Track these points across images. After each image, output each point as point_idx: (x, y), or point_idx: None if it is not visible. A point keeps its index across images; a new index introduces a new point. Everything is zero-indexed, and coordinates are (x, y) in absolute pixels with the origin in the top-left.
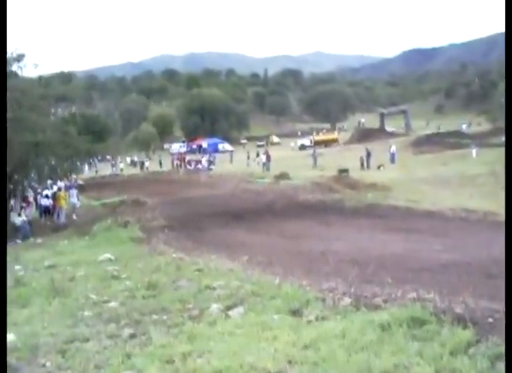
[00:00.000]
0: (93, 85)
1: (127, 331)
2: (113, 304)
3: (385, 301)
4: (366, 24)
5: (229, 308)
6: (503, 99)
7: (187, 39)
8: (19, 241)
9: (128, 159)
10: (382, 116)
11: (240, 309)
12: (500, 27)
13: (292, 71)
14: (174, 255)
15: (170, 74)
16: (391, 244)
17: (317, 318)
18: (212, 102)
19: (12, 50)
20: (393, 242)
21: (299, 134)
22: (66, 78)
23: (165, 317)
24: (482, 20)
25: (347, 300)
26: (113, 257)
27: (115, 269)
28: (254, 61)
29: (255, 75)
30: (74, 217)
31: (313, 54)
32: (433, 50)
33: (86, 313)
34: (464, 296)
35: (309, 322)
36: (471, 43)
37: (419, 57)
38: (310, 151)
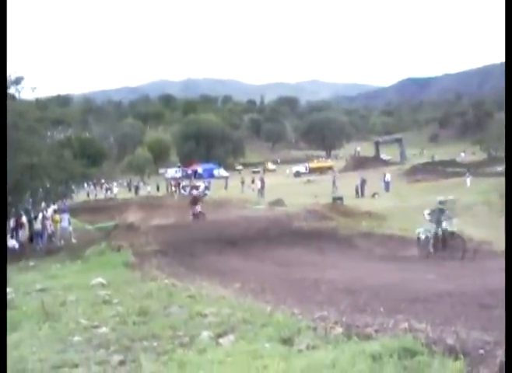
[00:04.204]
0: (90, 108)
1: (116, 358)
2: (103, 329)
3: (377, 331)
4: (362, 53)
5: (219, 335)
6: (498, 129)
7: (184, 65)
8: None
9: (123, 183)
10: (377, 144)
11: (230, 337)
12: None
13: (288, 98)
14: (166, 281)
15: (167, 100)
16: (384, 273)
17: (307, 348)
18: (208, 128)
19: (10, 72)
20: (386, 271)
21: (295, 161)
22: (63, 101)
23: (155, 344)
24: (476, 51)
25: (338, 329)
26: (105, 282)
27: (107, 294)
28: (251, 88)
29: (251, 102)
30: (70, 240)
31: (310, 82)
32: (428, 79)
33: (76, 338)
34: (456, 326)
35: (300, 351)
36: (465, 74)
37: (413, 86)
38: (305, 178)
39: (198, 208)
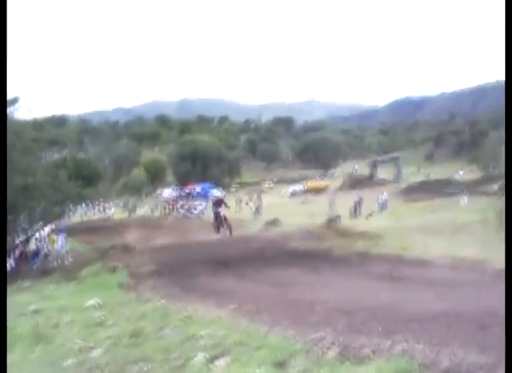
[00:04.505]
0: (85, 129)
1: None
2: (96, 352)
3: (373, 352)
4: (357, 73)
5: (214, 357)
6: (493, 148)
7: (180, 85)
8: None
9: (120, 204)
10: (373, 163)
11: (225, 359)
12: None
13: (284, 118)
14: (161, 302)
15: (163, 120)
16: (381, 293)
17: (301, 372)
18: (204, 149)
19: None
20: (383, 291)
21: (291, 180)
22: (59, 121)
23: (149, 366)
24: (470, 70)
25: (334, 351)
26: (99, 303)
27: (101, 315)
28: (248, 108)
29: (248, 122)
30: (65, 260)
31: (306, 102)
32: (423, 99)
33: (69, 361)
34: (453, 348)
35: None
36: (459, 93)
37: (408, 106)
38: (302, 197)
39: (222, 211)
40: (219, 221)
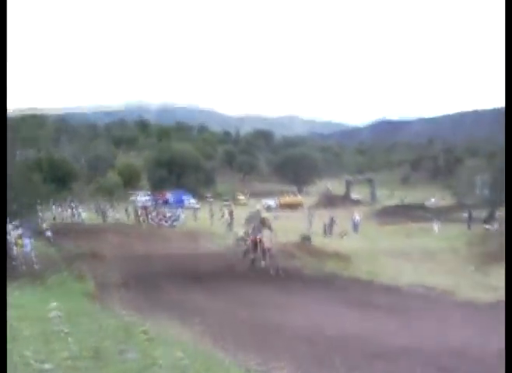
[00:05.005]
0: (63, 128)
1: None
2: None
3: None
4: (340, 92)
5: None
6: (468, 176)
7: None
8: None
9: (91, 207)
10: (348, 183)
11: None
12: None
13: (264, 132)
14: (126, 317)
15: (142, 125)
16: (346, 321)
17: None
18: (181, 157)
19: None
20: (349, 319)
21: (266, 194)
22: (36, 120)
23: None
24: (450, 97)
25: None
26: (63, 314)
27: (63, 330)
28: (228, 119)
29: (227, 133)
30: (32, 266)
31: (287, 118)
32: (402, 122)
33: None
34: None
35: None
36: (438, 119)
37: (387, 127)
38: (275, 213)
39: (266, 238)
40: (260, 251)
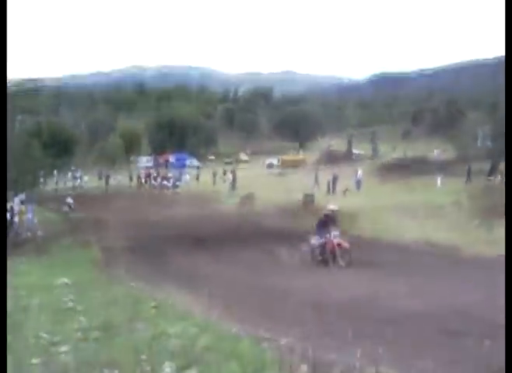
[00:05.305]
0: (61, 94)
1: None
2: (63, 349)
3: None
4: (338, 45)
5: (182, 368)
6: (470, 128)
7: (159, 51)
8: None
9: (94, 172)
10: (350, 139)
11: (192, 372)
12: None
13: (263, 89)
14: (133, 284)
15: (141, 88)
16: (353, 283)
17: None
18: (181, 118)
19: None
20: (355, 281)
21: (268, 152)
22: (34, 85)
23: (116, 372)
24: (451, 47)
25: (304, 368)
26: (70, 282)
27: (71, 299)
28: (226, 77)
29: (226, 92)
30: (36, 233)
31: (285, 73)
32: (403, 75)
33: (34, 361)
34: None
35: None
36: (439, 70)
37: (388, 81)
38: (278, 171)
39: (335, 237)
40: (329, 252)
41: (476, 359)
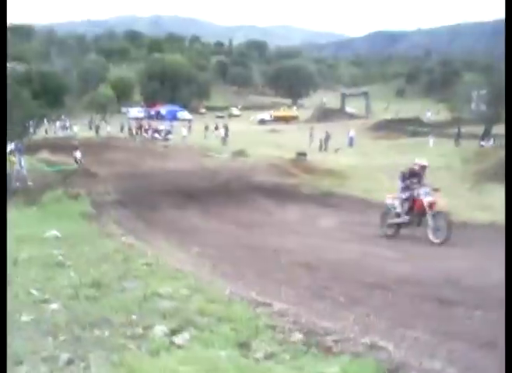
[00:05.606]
0: (52, 40)
1: (64, 356)
2: (53, 306)
3: (336, 342)
4: (339, 2)
5: (174, 331)
6: (464, 89)
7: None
8: None
9: (84, 121)
10: (343, 96)
11: (185, 335)
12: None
13: (257, 42)
14: (123, 238)
15: (133, 36)
16: (345, 244)
17: (265, 356)
18: (173, 69)
19: None
20: (348, 241)
21: (260, 107)
22: (24, 32)
23: (107, 333)
24: (447, 8)
25: (298, 335)
26: (60, 235)
27: (60, 253)
28: (220, 29)
29: (219, 44)
30: (25, 183)
31: (281, 27)
32: (399, 33)
33: (24, 318)
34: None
35: (256, 360)
36: (436, 31)
37: (384, 39)
38: (270, 126)
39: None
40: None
41: None
